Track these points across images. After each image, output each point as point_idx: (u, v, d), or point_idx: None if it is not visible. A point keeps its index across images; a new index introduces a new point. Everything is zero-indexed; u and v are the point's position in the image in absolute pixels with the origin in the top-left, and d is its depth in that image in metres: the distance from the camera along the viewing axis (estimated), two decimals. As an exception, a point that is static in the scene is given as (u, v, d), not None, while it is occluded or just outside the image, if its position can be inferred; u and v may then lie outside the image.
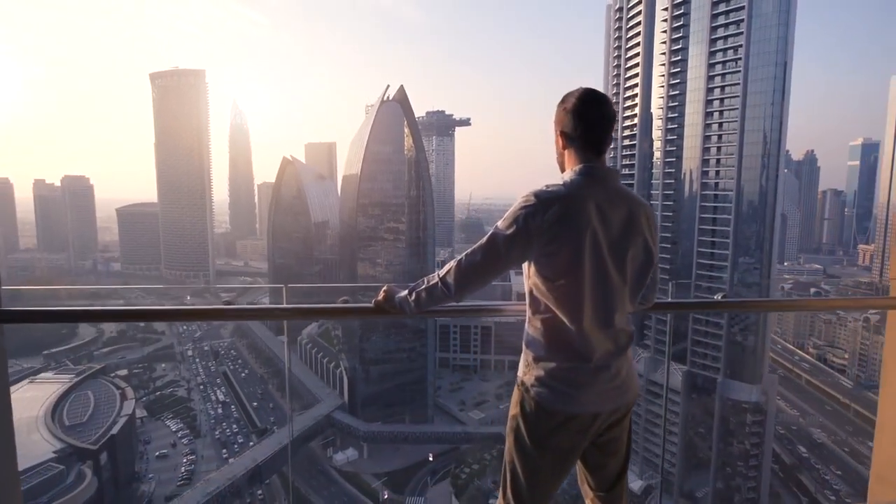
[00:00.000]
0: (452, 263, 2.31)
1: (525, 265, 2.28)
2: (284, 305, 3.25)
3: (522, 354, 2.38)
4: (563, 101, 2.27)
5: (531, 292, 2.28)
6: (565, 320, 2.18)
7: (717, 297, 3.53)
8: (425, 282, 2.41)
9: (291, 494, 62.59)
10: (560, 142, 2.31)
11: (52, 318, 2.81)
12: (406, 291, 2.50)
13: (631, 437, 2.55)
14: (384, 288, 2.66)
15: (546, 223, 2.08)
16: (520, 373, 2.38)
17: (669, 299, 3.45)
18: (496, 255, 2.21)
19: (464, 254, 2.32)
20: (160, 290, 62.63)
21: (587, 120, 2.20)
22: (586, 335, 2.18)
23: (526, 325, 2.36)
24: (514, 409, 2.39)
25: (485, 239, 2.25)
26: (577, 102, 2.20)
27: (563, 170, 2.35)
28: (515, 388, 2.41)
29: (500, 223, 2.22)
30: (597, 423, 2.29)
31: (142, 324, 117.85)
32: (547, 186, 2.18)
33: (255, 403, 77.11)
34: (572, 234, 2.09)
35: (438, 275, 2.36)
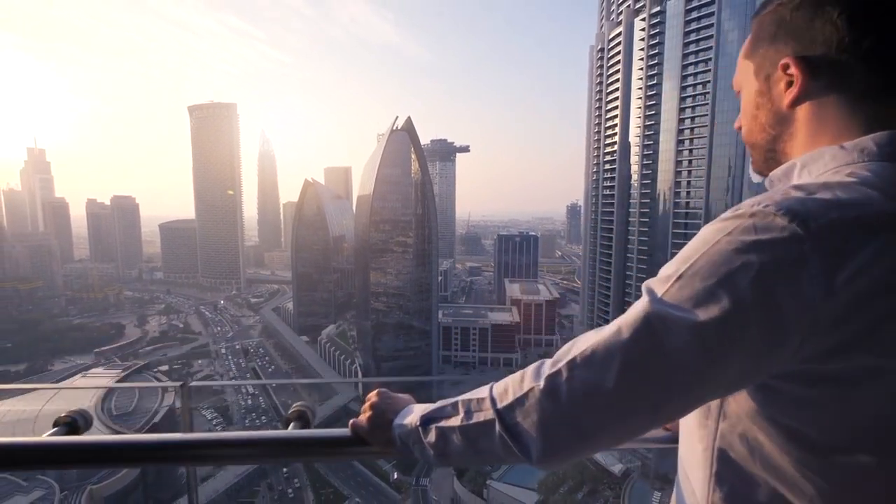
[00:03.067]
0: (537, 383, 0.71)
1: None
2: (186, 437, 1.24)
3: None
4: None
5: (725, 453, 0.70)
6: None
7: None
8: (460, 409, 0.87)
9: None
10: (798, 82, 0.71)
11: None
12: (418, 417, 0.93)
13: None
14: (371, 400, 1.05)
15: (844, 295, 0.54)
16: None
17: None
18: (670, 377, 0.62)
19: (566, 359, 0.69)
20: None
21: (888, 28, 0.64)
22: None
23: None
24: None
25: (626, 327, 0.65)
26: None
27: (775, 153, 0.79)
28: None
29: (662, 288, 0.67)
30: None
31: (181, 325, 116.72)
32: (807, 193, 0.61)
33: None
34: None
35: (493, 395, 0.82)
